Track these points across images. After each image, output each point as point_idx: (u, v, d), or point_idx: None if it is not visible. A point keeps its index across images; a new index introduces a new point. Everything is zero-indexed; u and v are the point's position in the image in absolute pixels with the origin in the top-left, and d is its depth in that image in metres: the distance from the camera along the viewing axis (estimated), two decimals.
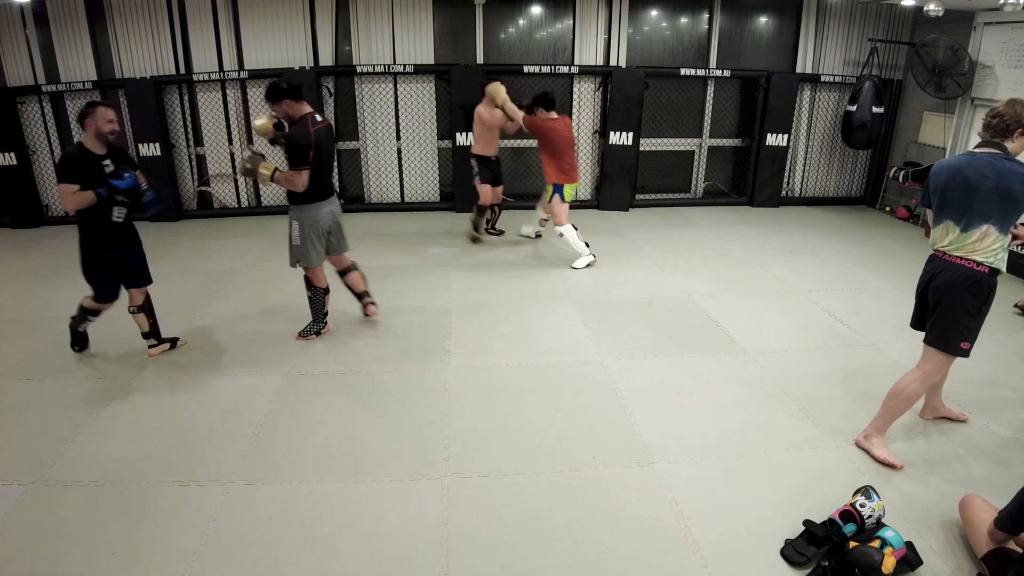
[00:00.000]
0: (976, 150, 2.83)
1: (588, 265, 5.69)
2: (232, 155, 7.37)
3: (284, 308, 4.80)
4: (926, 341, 2.99)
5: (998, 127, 2.77)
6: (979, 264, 2.79)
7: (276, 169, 3.95)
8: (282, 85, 3.82)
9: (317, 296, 4.27)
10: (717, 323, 4.56)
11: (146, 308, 4.01)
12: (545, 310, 4.80)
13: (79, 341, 4.10)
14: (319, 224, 4.07)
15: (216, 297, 5.00)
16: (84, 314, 4.00)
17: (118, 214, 3.68)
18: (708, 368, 3.95)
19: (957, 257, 2.84)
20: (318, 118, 3.91)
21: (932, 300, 2.95)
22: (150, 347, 4.07)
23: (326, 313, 4.35)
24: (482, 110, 5.91)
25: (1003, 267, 2.83)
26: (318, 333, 4.33)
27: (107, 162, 3.59)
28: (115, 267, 3.84)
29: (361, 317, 4.60)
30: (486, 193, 6.15)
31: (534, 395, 3.64)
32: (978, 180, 2.73)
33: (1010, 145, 2.76)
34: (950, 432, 3.31)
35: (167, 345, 4.13)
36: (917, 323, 3.13)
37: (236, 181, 7.47)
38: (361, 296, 4.52)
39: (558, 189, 5.57)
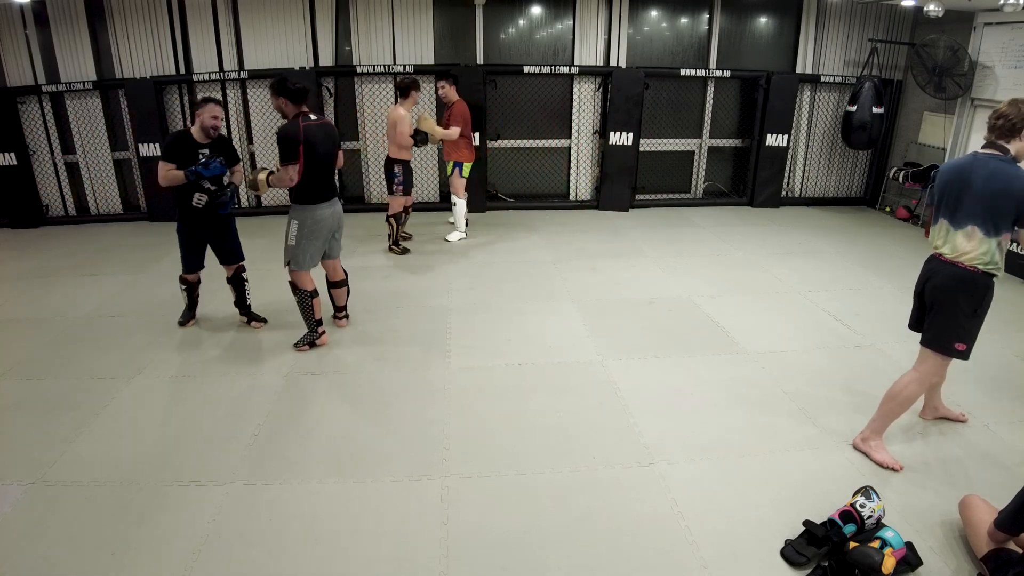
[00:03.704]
0: (979, 151, 2.83)
1: (460, 239, 6.39)
2: None
3: (284, 308, 4.79)
4: (922, 342, 2.99)
5: (1004, 128, 2.73)
6: (970, 265, 2.77)
7: (270, 172, 3.92)
8: (289, 84, 3.77)
9: (304, 300, 4.09)
10: (717, 323, 4.57)
11: (232, 282, 4.47)
12: (545, 310, 4.80)
13: (184, 314, 4.53)
14: (320, 226, 3.99)
15: (216, 296, 4.99)
16: (180, 284, 4.47)
17: (197, 200, 4.07)
18: (708, 368, 3.96)
19: (949, 257, 2.84)
20: (312, 116, 3.84)
21: (928, 301, 2.95)
22: (241, 314, 4.60)
23: (319, 321, 4.17)
24: (403, 112, 5.61)
25: (996, 270, 2.79)
26: (311, 344, 4.15)
27: (204, 151, 4.00)
28: (194, 243, 4.28)
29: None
30: (402, 201, 5.93)
31: (534, 395, 3.64)
32: (972, 180, 2.74)
33: (1014, 146, 2.73)
34: (950, 433, 3.31)
35: (245, 319, 4.59)
36: (915, 325, 3.12)
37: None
38: (339, 309, 4.50)
39: (458, 166, 6.12)
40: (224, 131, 4.27)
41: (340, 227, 4.19)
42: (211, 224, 4.23)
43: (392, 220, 5.99)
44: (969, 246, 2.77)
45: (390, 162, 5.85)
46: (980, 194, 2.72)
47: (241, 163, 4.32)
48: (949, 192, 2.84)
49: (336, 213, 4.09)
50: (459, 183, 6.23)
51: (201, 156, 3.99)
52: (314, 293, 4.10)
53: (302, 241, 3.96)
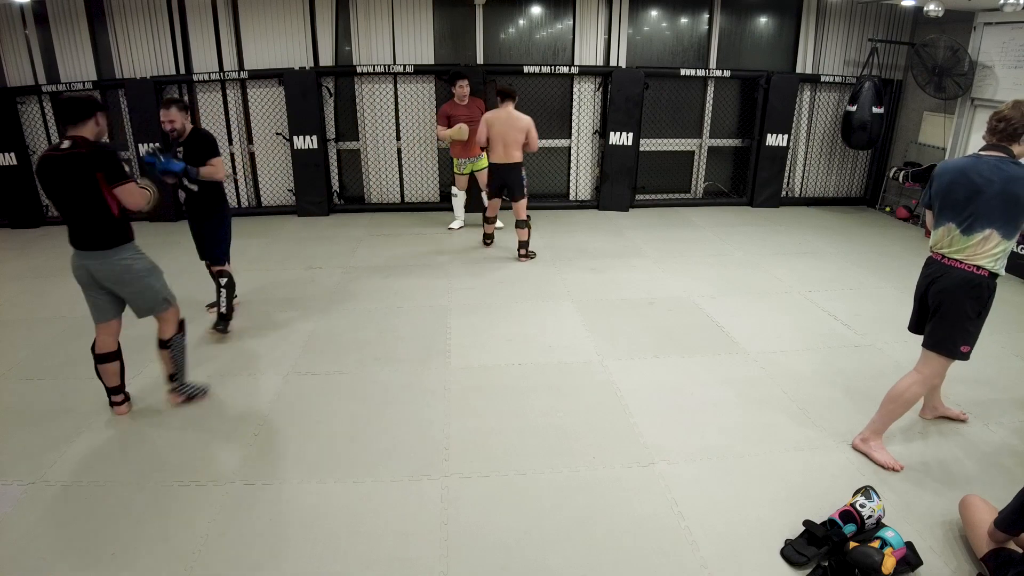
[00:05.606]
0: (982, 152, 2.79)
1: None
2: (232, 155, 7.37)
3: (284, 308, 4.80)
4: (925, 345, 2.97)
5: (1005, 131, 2.71)
6: (979, 268, 2.76)
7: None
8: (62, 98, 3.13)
9: (95, 362, 3.35)
10: (717, 323, 4.56)
11: (217, 278, 4.45)
12: (545, 310, 4.80)
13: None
14: (78, 276, 3.20)
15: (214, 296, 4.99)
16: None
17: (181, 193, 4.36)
18: (708, 368, 3.95)
19: (956, 260, 2.81)
20: (63, 145, 2.98)
21: (932, 304, 2.92)
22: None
23: (113, 389, 3.40)
24: (515, 113, 5.58)
25: (1002, 271, 2.81)
26: (118, 406, 3.42)
27: (178, 149, 4.16)
28: (192, 232, 4.54)
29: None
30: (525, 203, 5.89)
31: (534, 395, 3.64)
32: (984, 184, 2.69)
33: (1016, 148, 2.71)
34: (950, 433, 3.31)
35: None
36: (916, 327, 3.11)
37: (236, 181, 7.48)
38: (169, 377, 3.54)
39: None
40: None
41: (101, 287, 3.21)
42: (192, 218, 4.45)
43: (529, 223, 5.87)
44: (984, 248, 2.74)
45: (515, 167, 5.66)
46: (999, 198, 2.67)
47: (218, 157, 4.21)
48: (955, 194, 2.79)
49: (85, 269, 3.13)
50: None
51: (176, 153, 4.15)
52: (103, 358, 3.33)
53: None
